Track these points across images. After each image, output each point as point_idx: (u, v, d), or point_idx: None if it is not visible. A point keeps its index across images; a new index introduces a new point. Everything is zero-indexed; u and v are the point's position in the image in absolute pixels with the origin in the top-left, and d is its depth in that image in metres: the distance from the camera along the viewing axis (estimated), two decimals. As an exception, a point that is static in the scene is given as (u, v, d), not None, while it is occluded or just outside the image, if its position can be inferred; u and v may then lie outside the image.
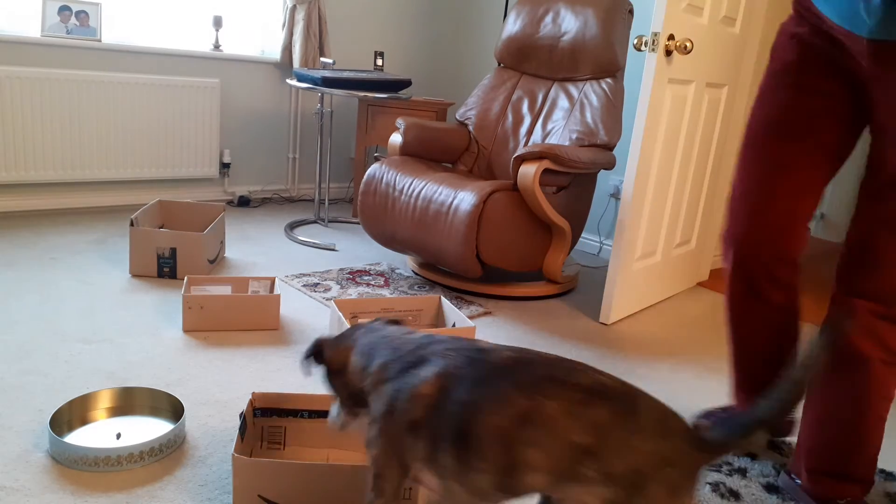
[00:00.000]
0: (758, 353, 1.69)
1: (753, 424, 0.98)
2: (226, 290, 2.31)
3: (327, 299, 2.52)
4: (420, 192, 2.66)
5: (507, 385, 0.98)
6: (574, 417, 0.95)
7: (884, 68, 1.35)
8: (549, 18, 3.08)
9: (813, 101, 1.48)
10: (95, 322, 2.15)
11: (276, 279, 2.38)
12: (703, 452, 0.97)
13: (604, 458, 0.94)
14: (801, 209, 1.53)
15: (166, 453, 1.51)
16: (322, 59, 3.57)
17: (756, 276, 1.59)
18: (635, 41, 2.42)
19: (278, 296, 2.22)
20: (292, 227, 3.47)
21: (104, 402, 1.65)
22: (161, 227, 2.91)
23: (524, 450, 0.95)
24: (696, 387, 2.16)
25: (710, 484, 1.61)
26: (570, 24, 3.00)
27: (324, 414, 1.57)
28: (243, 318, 2.19)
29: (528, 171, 2.54)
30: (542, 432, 0.95)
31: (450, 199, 2.57)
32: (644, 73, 2.41)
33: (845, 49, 1.41)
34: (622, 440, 0.94)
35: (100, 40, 3.23)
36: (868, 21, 1.32)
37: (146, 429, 1.60)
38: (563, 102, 3.03)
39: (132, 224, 2.54)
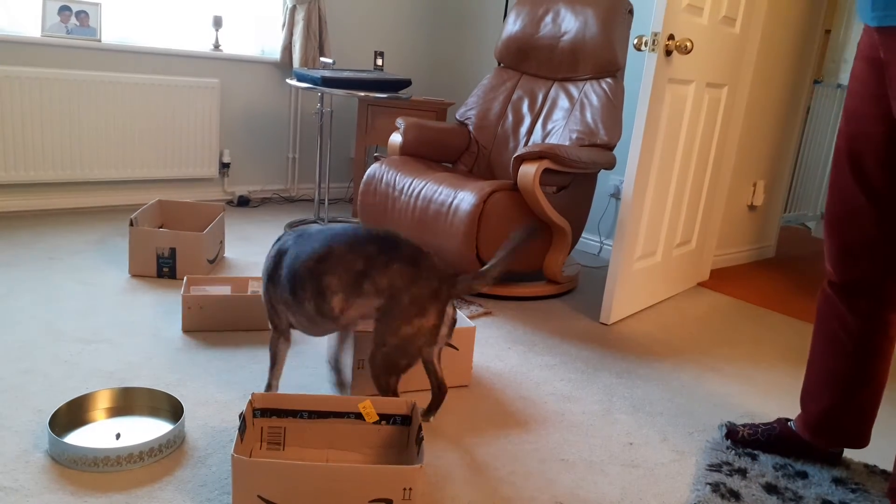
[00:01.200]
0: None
1: (486, 272, 1.56)
2: (225, 290, 2.31)
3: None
4: (420, 192, 2.66)
5: (313, 241, 1.52)
6: (353, 253, 1.47)
7: (887, 55, 1.37)
8: (549, 18, 3.08)
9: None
10: (95, 322, 2.14)
11: (276, 279, 2.37)
12: (443, 283, 1.52)
13: (374, 278, 1.47)
14: None
15: (166, 454, 1.51)
16: (322, 58, 3.57)
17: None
18: (635, 41, 2.41)
19: (278, 296, 2.22)
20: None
21: (103, 402, 1.65)
22: (160, 227, 2.91)
23: (325, 278, 1.47)
24: (697, 387, 2.16)
25: (710, 485, 1.61)
26: (570, 23, 3.00)
27: (324, 414, 1.56)
28: (243, 319, 2.18)
29: (529, 170, 2.53)
30: (333, 265, 1.46)
31: (450, 199, 2.57)
32: (644, 72, 2.41)
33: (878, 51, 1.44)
34: (384, 265, 1.47)
35: (100, 40, 3.22)
36: (868, 9, 1.39)
37: (145, 429, 1.60)
38: (563, 102, 3.02)
39: (132, 224, 2.53)
